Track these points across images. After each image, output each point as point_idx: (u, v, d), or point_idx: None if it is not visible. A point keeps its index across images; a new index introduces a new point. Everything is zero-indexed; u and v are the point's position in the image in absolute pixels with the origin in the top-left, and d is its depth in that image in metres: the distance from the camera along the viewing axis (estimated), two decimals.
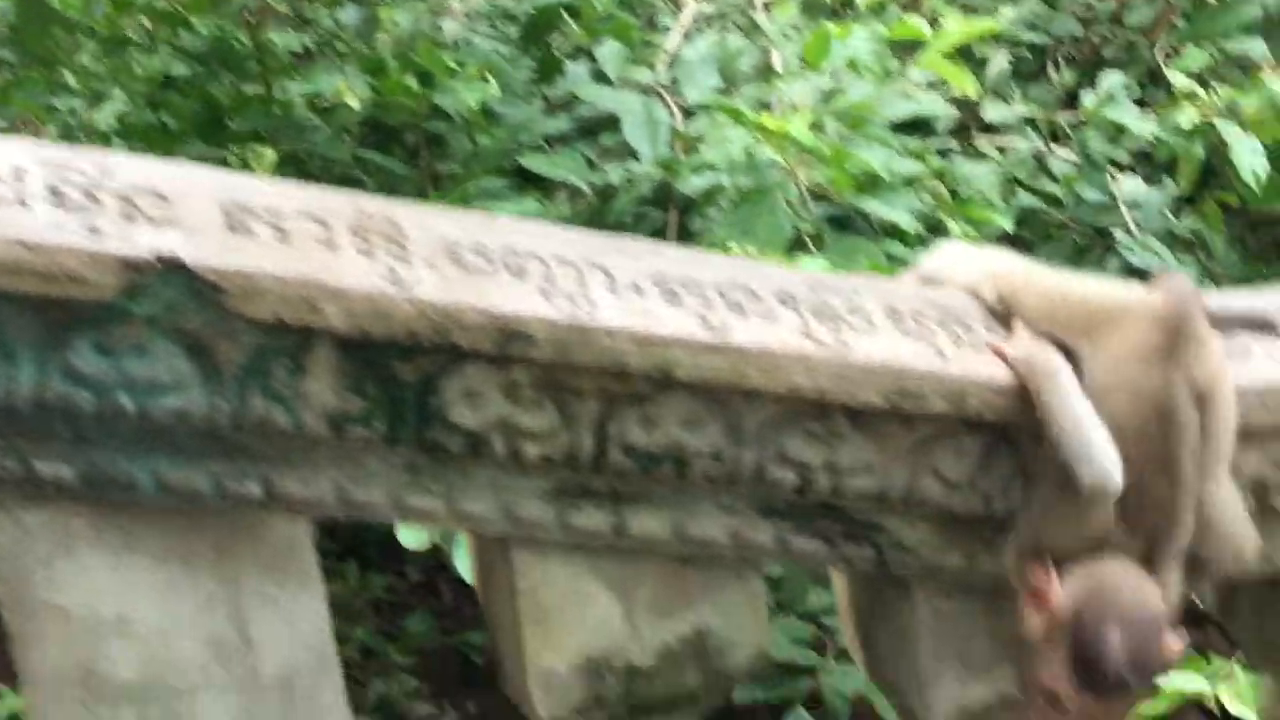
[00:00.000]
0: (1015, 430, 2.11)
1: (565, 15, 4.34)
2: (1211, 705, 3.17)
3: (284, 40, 4.94)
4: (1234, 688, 3.11)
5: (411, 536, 3.30)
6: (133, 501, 1.87)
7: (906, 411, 2.05)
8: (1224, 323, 2.19)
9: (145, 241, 1.80)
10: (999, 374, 2.09)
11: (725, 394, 2.00)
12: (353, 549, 5.07)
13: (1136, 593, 1.97)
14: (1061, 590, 1.98)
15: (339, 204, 1.95)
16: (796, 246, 3.36)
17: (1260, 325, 2.25)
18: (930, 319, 2.13)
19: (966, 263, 2.24)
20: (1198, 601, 2.69)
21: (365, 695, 4.65)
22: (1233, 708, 3.08)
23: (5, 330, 1.77)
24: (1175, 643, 1.97)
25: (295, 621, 1.97)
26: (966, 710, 2.25)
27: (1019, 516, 2.08)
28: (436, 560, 3.74)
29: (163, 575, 1.90)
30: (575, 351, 1.93)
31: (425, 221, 1.98)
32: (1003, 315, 2.16)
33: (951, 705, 2.25)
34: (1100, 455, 1.97)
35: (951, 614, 2.22)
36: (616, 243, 2.11)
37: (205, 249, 1.81)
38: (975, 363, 2.09)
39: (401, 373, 1.90)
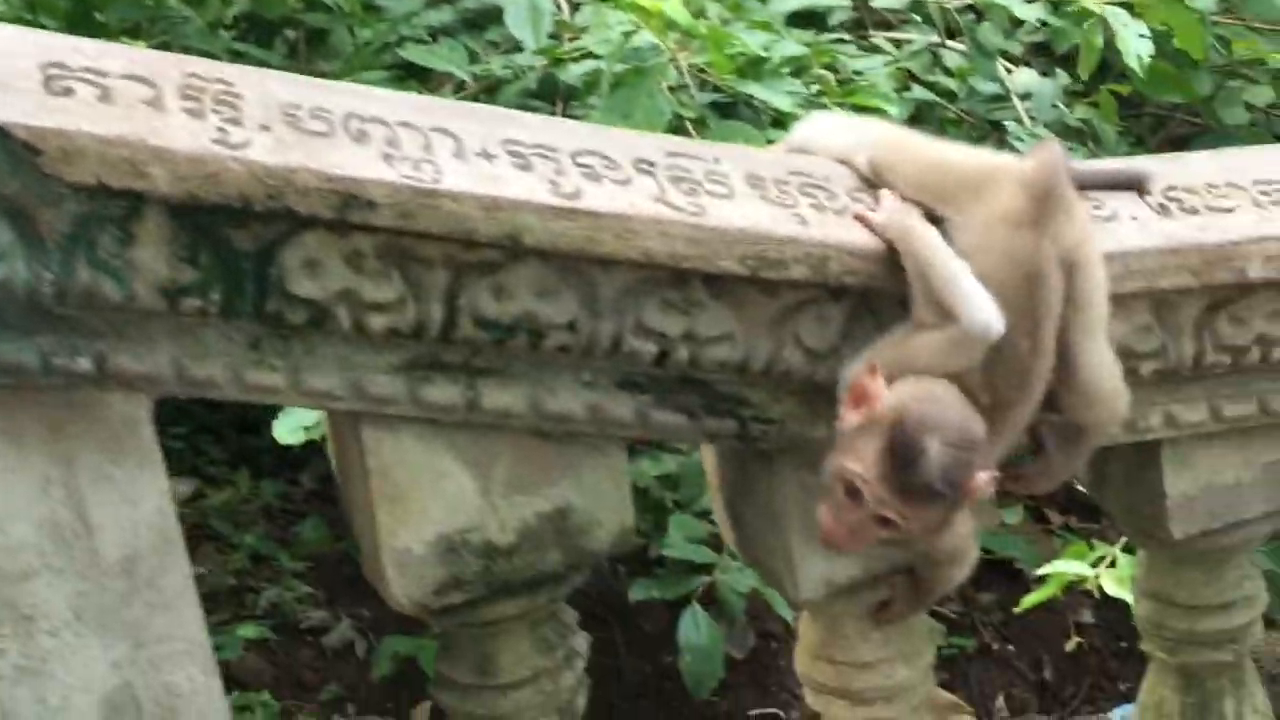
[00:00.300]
0: (878, 297, 2.06)
1: None
2: (1093, 589, 3.18)
3: None
4: (1115, 573, 3.13)
5: (288, 432, 3.24)
6: None
7: (767, 278, 1.99)
8: (1094, 185, 2.15)
9: None
10: (862, 239, 2.04)
11: (579, 261, 1.94)
12: (245, 456, 4.99)
13: (964, 415, 1.94)
14: (889, 392, 1.94)
15: (168, 66, 1.85)
16: (677, 132, 3.29)
17: (1131, 184, 2.21)
18: (793, 186, 2.07)
19: (839, 132, 2.19)
20: (1076, 483, 2.68)
21: (257, 601, 4.59)
22: (1112, 590, 3.09)
23: None
24: (987, 478, 1.94)
25: (136, 502, 1.89)
26: (835, 586, 2.22)
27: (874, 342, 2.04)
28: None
29: None
30: (419, 218, 1.85)
31: (262, 85, 1.90)
32: (873, 184, 2.11)
33: (820, 581, 2.22)
34: (982, 300, 1.94)
35: (819, 488, 2.17)
36: (468, 108, 2.03)
37: (20, 109, 1.71)
38: (838, 228, 2.04)
39: (237, 241, 1.82)
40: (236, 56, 4.06)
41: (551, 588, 2.12)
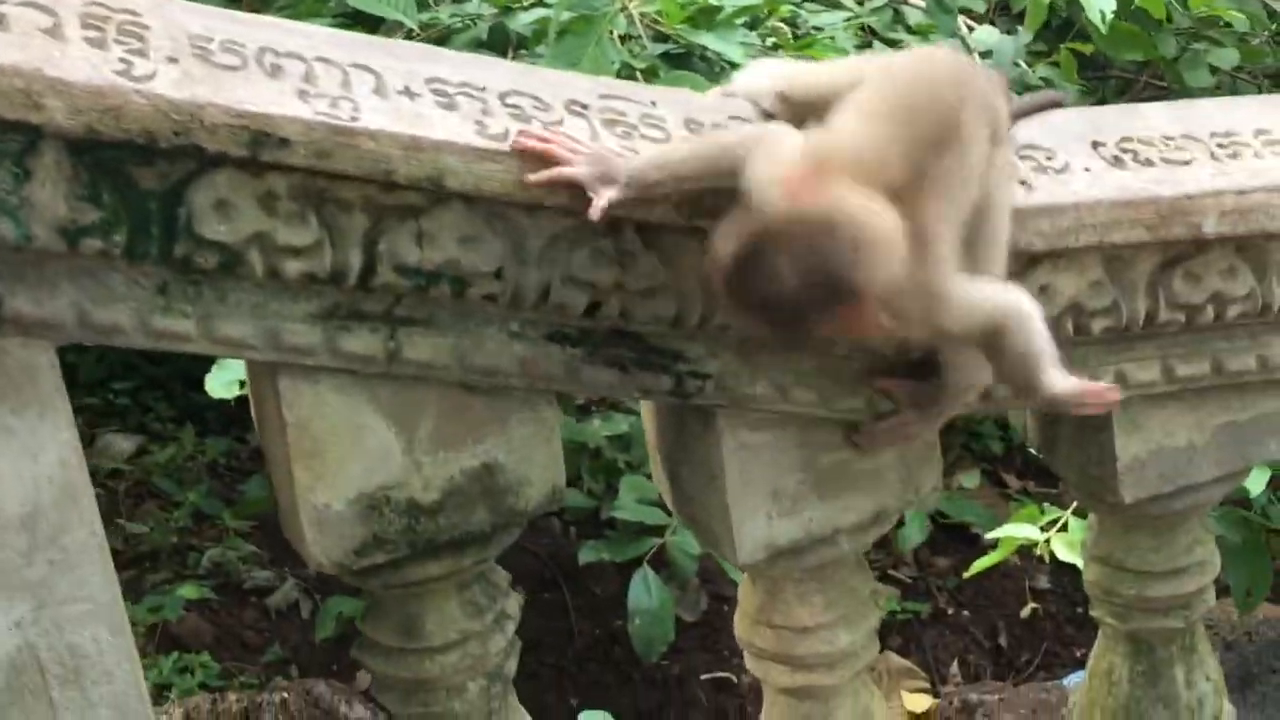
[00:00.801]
0: None
1: None
2: (1043, 553, 3.12)
3: None
4: (1066, 537, 3.07)
5: (222, 386, 3.15)
6: None
7: (703, 227, 1.91)
8: (1015, 115, 2.08)
9: None
10: None
11: (505, 207, 1.85)
12: (191, 413, 4.90)
13: (853, 255, 1.75)
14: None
15: None
16: (621, 73, 3.21)
17: (1049, 105, 2.17)
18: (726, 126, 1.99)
19: (763, 74, 2.09)
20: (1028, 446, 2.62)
21: (199, 561, 4.51)
22: (1063, 555, 3.03)
23: None
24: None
25: (36, 454, 1.79)
26: (775, 548, 2.15)
27: None
28: None
29: None
30: (336, 157, 1.76)
31: (172, 15, 1.80)
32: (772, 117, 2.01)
33: (760, 544, 2.14)
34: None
35: (760, 447, 2.10)
36: (391, 45, 1.94)
37: None
38: None
39: (142, 179, 1.72)
40: None
41: (479, 548, 2.03)
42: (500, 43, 3.76)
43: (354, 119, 1.77)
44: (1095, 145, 2.15)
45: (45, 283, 1.74)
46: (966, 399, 2.07)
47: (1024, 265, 2.06)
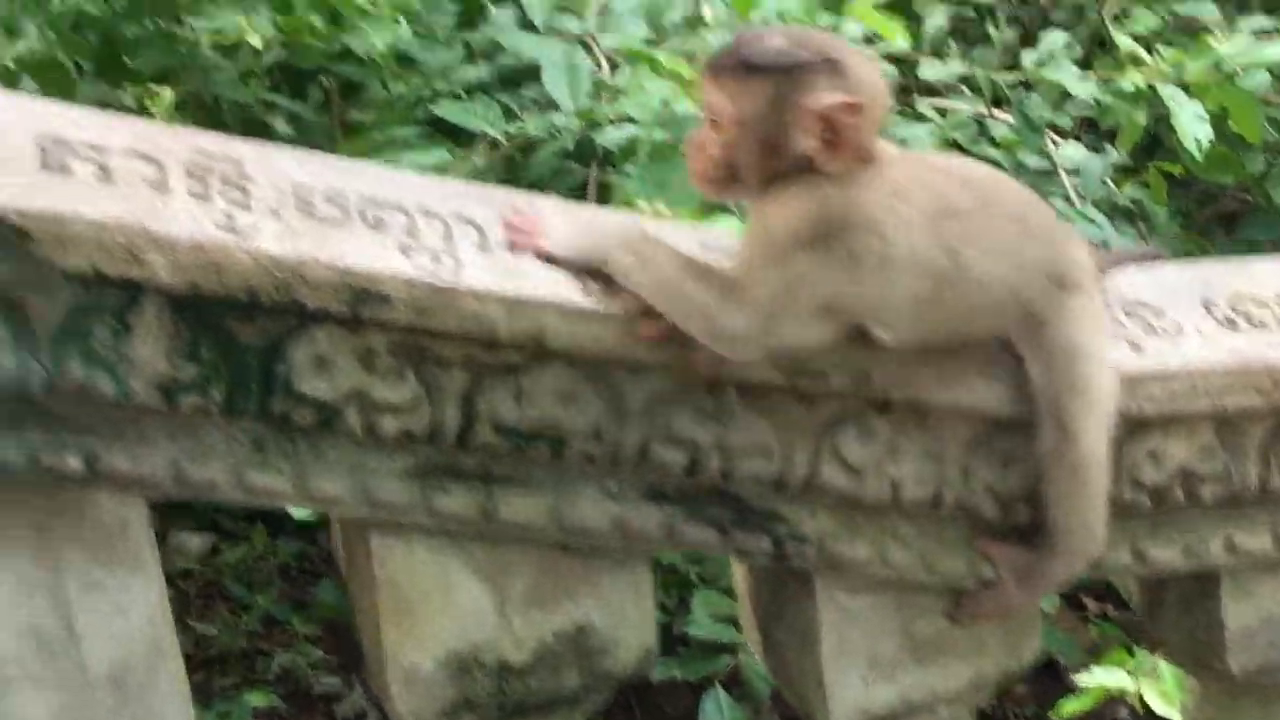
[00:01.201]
0: (927, 411, 1.93)
1: None
2: (1134, 703, 3.02)
3: None
4: (1158, 685, 2.97)
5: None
6: None
7: (805, 388, 1.86)
8: (1113, 263, 2.04)
9: None
10: None
11: (607, 366, 1.81)
12: (263, 513, 4.88)
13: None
14: None
15: (175, 142, 1.74)
16: (712, 205, 3.18)
17: (1149, 258, 2.17)
18: None
19: None
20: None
21: (268, 666, 4.47)
22: (1157, 707, 2.93)
23: None
24: (838, 102, 1.77)
25: (127, 610, 1.77)
26: (870, 714, 2.08)
27: None
28: None
29: None
30: (437, 315, 1.73)
31: (275, 164, 1.78)
32: None
33: (854, 710, 2.07)
34: None
35: (857, 611, 2.04)
36: (492, 194, 1.91)
37: (11, 188, 1.60)
38: None
39: (242, 335, 1.70)
40: (268, 107, 3.97)
41: (567, 710, 1.98)
42: (586, 156, 3.75)
43: (457, 276, 1.74)
44: (1207, 306, 2.09)
45: (142, 439, 1.72)
46: (1074, 569, 2.00)
47: (1132, 430, 2.00)
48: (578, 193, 3.94)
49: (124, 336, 1.66)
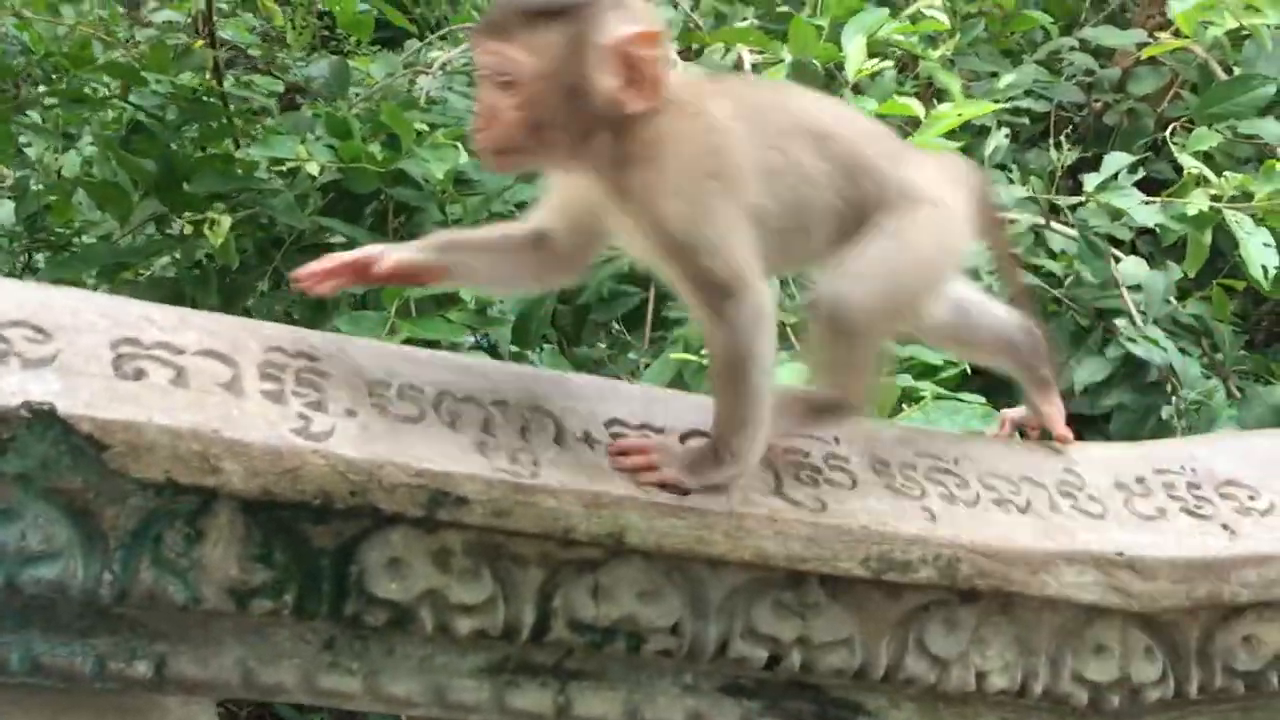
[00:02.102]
0: (1014, 601, 1.87)
1: None
2: None
3: (253, 90, 4.73)
4: None
5: None
6: (1, 681, 1.63)
7: (890, 580, 1.81)
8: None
9: (14, 385, 1.56)
10: (997, 538, 1.85)
11: (686, 561, 1.77)
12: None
13: None
14: None
15: (249, 337, 1.71)
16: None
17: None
18: (920, 471, 1.90)
19: None
20: None
21: None
22: None
23: None
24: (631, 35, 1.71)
25: None
26: None
27: None
28: None
29: None
30: (515, 515, 1.69)
31: (350, 359, 1.75)
32: None
33: None
34: None
35: None
36: (567, 382, 1.87)
37: (86, 395, 1.57)
38: (970, 524, 1.86)
39: (315, 538, 1.67)
40: (323, 230, 3.96)
41: None
42: (642, 278, 3.72)
43: (534, 475, 1.70)
44: None
45: (211, 642, 1.68)
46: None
47: (1225, 616, 1.94)
48: (633, 315, 3.92)
49: (195, 542, 1.63)
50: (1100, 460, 2.02)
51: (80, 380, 1.59)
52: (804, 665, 1.84)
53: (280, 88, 5.03)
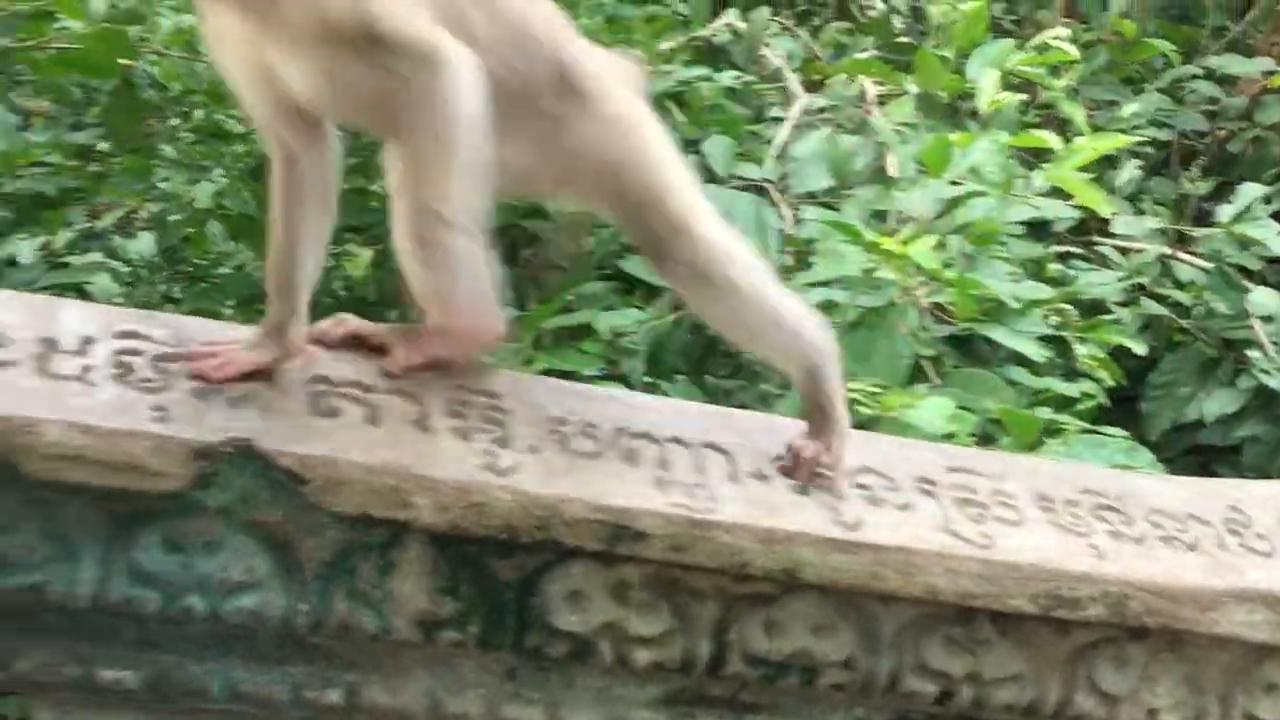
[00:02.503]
0: (1184, 640, 1.88)
1: (671, 104, 4.15)
2: None
3: None
4: None
5: None
6: (201, 709, 1.69)
7: (1060, 618, 1.83)
8: None
9: (218, 422, 1.63)
10: (1164, 574, 1.86)
11: (859, 596, 1.80)
12: None
13: None
14: None
15: (438, 382, 1.77)
16: (916, 373, 3.15)
17: None
18: (1085, 508, 1.92)
19: None
20: None
21: None
22: None
23: (65, 525, 1.60)
24: None
25: None
26: None
27: None
28: None
29: None
30: (692, 550, 1.73)
31: (530, 397, 1.80)
32: None
33: None
34: None
35: None
36: (735, 419, 1.91)
37: (284, 430, 1.64)
38: (1136, 561, 1.87)
39: (500, 571, 1.71)
40: None
41: None
42: None
43: (710, 510, 1.74)
44: None
45: (400, 672, 1.73)
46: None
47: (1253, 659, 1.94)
48: None
49: (388, 574, 1.68)
50: (1266, 498, 2.02)
51: (278, 419, 1.66)
52: (975, 701, 1.86)
53: None
